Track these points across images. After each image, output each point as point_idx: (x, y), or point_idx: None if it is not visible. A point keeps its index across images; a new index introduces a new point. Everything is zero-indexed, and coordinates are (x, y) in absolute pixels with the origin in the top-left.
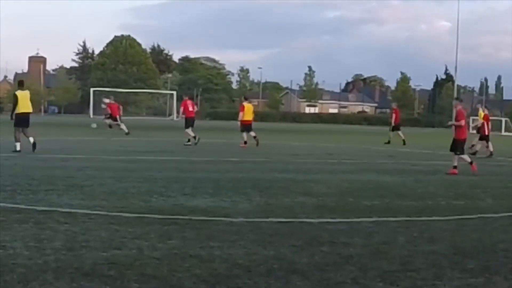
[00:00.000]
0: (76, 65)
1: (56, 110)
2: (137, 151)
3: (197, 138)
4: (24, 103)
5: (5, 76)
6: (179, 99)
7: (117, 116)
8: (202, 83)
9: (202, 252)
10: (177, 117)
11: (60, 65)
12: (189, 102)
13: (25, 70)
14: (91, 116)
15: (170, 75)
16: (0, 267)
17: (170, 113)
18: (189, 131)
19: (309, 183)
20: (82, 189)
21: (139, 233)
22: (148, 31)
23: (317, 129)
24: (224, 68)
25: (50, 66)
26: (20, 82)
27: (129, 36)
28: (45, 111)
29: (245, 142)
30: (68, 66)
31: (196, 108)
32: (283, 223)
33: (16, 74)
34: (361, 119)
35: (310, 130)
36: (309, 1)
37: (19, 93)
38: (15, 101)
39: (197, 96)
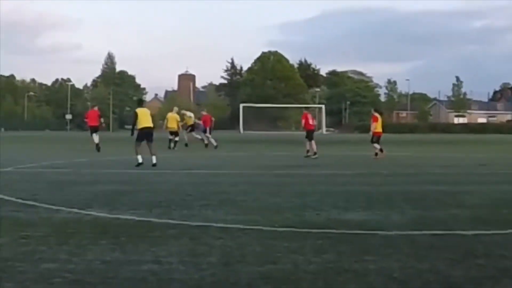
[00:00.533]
0: (224, 81)
1: None
2: (288, 165)
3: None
4: (144, 119)
5: (156, 94)
6: (328, 113)
7: (208, 128)
8: (350, 97)
9: (357, 266)
10: (326, 131)
11: (209, 82)
12: (309, 116)
13: (175, 87)
14: (241, 131)
15: (318, 89)
16: (157, 282)
17: (319, 127)
18: (313, 143)
19: (462, 194)
20: (235, 204)
21: (293, 247)
22: (294, 47)
23: (467, 140)
24: (371, 81)
25: (199, 83)
26: (139, 101)
27: (276, 52)
28: (196, 127)
29: (376, 154)
30: (217, 83)
31: (315, 122)
32: (437, 236)
33: (166, 92)
34: (511, 128)
35: (459, 141)
36: (455, 11)
37: (138, 110)
38: (134, 118)
39: (345, 109)
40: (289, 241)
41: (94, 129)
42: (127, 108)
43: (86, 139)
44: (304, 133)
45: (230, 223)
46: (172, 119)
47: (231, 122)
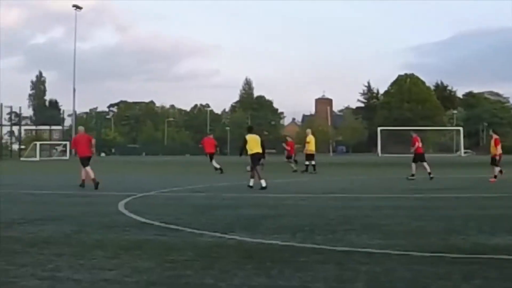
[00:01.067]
0: (361, 105)
1: (345, 150)
2: (428, 188)
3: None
4: (254, 145)
5: (293, 119)
6: (466, 135)
7: (293, 155)
8: (487, 118)
9: None
10: (464, 153)
11: (346, 105)
12: (418, 138)
13: (312, 112)
14: (379, 154)
15: (455, 111)
16: None
17: (457, 149)
18: (426, 165)
19: None
20: (379, 228)
21: (441, 273)
22: (430, 69)
23: None
24: (508, 102)
25: (336, 107)
26: (249, 128)
27: (412, 74)
28: (334, 151)
29: (496, 176)
30: (353, 107)
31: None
32: None
33: (304, 116)
34: None
35: None
36: None
37: (248, 136)
38: (243, 143)
39: (482, 131)
40: (437, 267)
41: (212, 156)
42: (265, 133)
43: (225, 164)
44: (413, 155)
45: (375, 248)
46: (313, 142)
47: (368, 145)
